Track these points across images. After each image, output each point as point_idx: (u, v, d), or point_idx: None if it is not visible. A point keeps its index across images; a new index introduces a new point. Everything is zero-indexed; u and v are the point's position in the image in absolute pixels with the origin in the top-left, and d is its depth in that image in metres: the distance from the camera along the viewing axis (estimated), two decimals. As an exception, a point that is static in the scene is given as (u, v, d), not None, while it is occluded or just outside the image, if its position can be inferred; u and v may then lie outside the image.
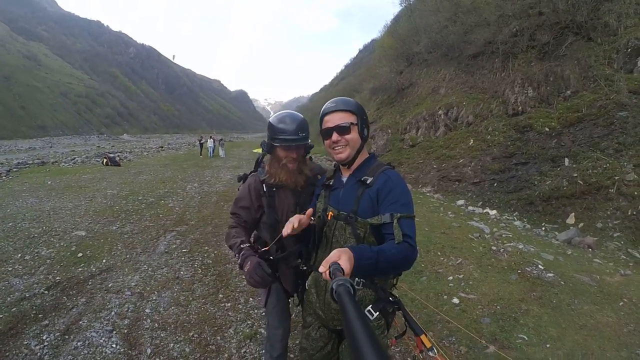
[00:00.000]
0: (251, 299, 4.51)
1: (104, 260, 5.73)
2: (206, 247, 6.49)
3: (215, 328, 3.84)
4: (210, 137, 30.30)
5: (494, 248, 6.64)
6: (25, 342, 3.47)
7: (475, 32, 18.73)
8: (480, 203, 11.56)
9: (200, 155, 27.91)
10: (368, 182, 1.76)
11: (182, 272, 5.35)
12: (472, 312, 4.26)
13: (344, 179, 1.92)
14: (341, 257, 1.29)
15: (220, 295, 4.60)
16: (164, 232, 7.41)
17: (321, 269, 1.27)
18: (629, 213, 8.12)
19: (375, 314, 1.74)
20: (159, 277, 5.18)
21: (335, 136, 1.82)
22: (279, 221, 2.28)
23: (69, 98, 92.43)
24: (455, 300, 4.56)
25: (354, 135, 1.83)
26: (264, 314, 4.10)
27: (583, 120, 10.94)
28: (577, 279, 5.25)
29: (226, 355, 3.41)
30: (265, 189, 2.30)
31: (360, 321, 0.82)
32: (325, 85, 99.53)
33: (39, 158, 22.93)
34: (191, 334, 3.72)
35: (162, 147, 39.39)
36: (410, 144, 18.29)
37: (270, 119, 2.25)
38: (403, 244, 1.57)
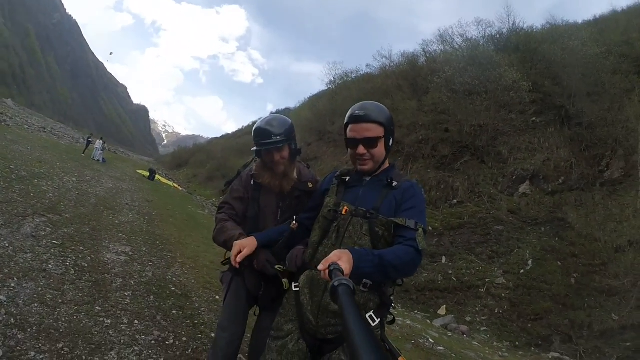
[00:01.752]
0: (137, 322, 3.61)
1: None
2: (82, 248, 5.33)
3: (93, 346, 2.92)
4: (101, 138, 27.37)
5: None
6: None
7: None
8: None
9: (83, 154, 24.82)
10: (394, 184, 1.72)
11: (50, 266, 4.22)
12: None
13: (367, 179, 1.84)
14: (341, 258, 1.25)
15: (98, 308, 3.62)
16: (33, 213, 6.06)
17: (321, 267, 1.23)
18: (496, 311, 8.86)
19: (377, 321, 1.62)
20: (21, 262, 4.04)
21: (361, 149, 1.71)
22: (258, 215, 2.25)
23: (-34, 35, 78.79)
24: None
25: (380, 149, 1.75)
26: (153, 342, 3.32)
27: (464, 226, 12.14)
28: (465, 354, 5.59)
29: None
30: (252, 183, 2.27)
31: (360, 321, 0.81)
32: (227, 134, 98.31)
33: None
34: (60, 345, 2.77)
35: (44, 129, 34.59)
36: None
37: (255, 126, 2.23)
38: (409, 248, 1.51)
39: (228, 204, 2.31)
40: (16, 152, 11.48)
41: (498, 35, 24.68)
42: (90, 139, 26.94)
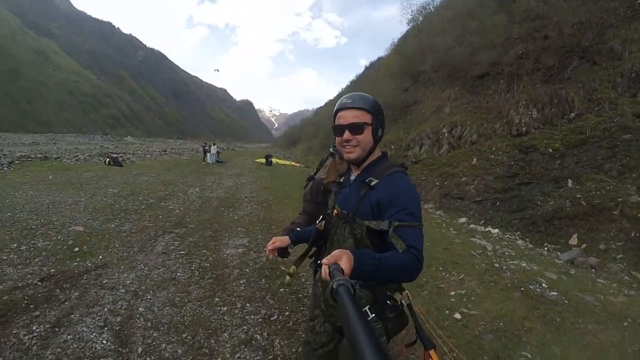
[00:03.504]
0: (248, 304, 4.41)
1: (100, 257, 5.64)
2: (204, 251, 6.40)
3: (210, 331, 3.75)
4: (214, 144, 30.30)
5: (496, 265, 6.54)
6: (15, 332, 3.39)
7: (481, 53, 19.00)
8: (482, 221, 11.46)
9: (204, 162, 27.87)
10: (372, 184, 1.72)
11: (178, 274, 5.26)
12: (474, 328, 4.16)
13: (352, 178, 1.91)
14: (342, 257, 1.28)
15: (217, 299, 4.51)
16: (163, 233, 7.32)
17: (325, 261, 1.28)
18: (632, 235, 8.04)
19: (372, 315, 1.71)
20: (155, 276, 5.10)
21: (347, 135, 1.75)
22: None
23: (76, 96, 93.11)
24: (457, 316, 4.46)
25: (366, 136, 1.76)
26: (260, 320, 4.03)
27: (586, 142, 10.95)
28: (580, 298, 5.15)
29: (219, 359, 3.33)
30: (322, 188, 2.68)
31: (360, 321, 0.83)
32: (330, 100, 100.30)
33: (42, 152, 22.96)
34: (184, 335, 3.63)
35: (165, 151, 39.43)
36: (414, 161, 18.30)
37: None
38: (408, 254, 1.49)
39: (303, 207, 2.83)
40: (142, 184, 13.54)
41: None
42: (205, 147, 29.79)
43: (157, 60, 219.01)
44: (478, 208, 12.42)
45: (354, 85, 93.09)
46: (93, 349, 3.28)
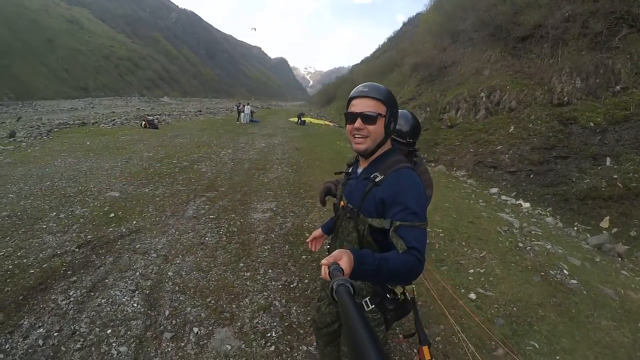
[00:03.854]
0: (270, 271, 4.60)
1: (134, 222, 5.95)
2: (233, 215, 6.62)
3: (232, 296, 3.96)
4: (248, 103, 30.41)
5: (520, 245, 6.38)
6: (53, 297, 3.71)
7: (526, 13, 17.93)
8: (514, 193, 11.19)
9: (237, 121, 28.11)
10: (377, 180, 1.71)
11: (207, 238, 5.51)
12: (487, 311, 4.16)
13: (359, 170, 1.90)
14: (342, 257, 1.30)
15: (241, 264, 4.72)
16: (194, 196, 7.59)
17: (324, 261, 1.32)
18: None
19: (371, 306, 1.79)
20: (185, 241, 5.36)
21: (359, 123, 1.71)
22: None
23: (111, 61, 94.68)
24: (472, 296, 4.46)
25: (378, 127, 1.73)
26: (280, 286, 4.20)
27: (630, 119, 10.33)
28: (600, 290, 4.98)
29: (239, 324, 3.53)
30: None
31: (360, 321, 0.83)
32: (367, 57, 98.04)
33: (79, 119, 23.67)
34: (209, 299, 3.86)
35: (200, 112, 39.86)
36: (449, 125, 17.87)
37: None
38: (410, 256, 1.49)
39: None
40: (177, 146, 13.91)
41: None
42: (239, 107, 29.96)
43: (191, 20, 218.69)
44: (511, 179, 12.11)
45: (390, 42, 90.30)
46: (124, 312, 3.56)
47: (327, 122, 35.35)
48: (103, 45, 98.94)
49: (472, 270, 5.16)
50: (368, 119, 1.70)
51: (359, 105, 1.73)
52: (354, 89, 1.79)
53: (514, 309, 4.25)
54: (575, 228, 8.75)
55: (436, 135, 17.70)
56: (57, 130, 17.44)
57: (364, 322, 0.82)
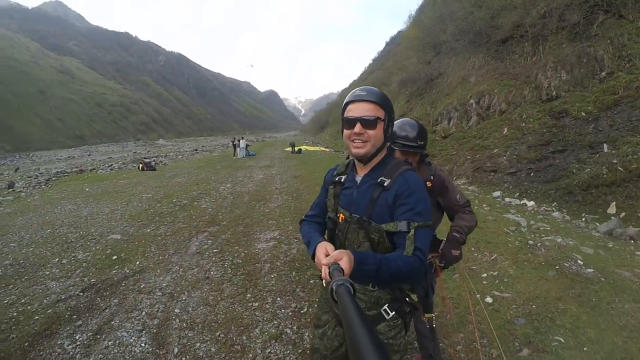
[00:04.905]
0: (279, 299, 4.56)
1: (138, 262, 5.93)
2: (237, 247, 6.60)
3: (242, 328, 3.91)
4: (242, 138, 30.77)
5: (530, 242, 6.37)
6: (59, 342, 3.66)
7: (502, 16, 18.38)
8: (517, 194, 11.19)
9: (234, 156, 28.38)
10: (385, 184, 1.69)
11: (212, 272, 5.47)
12: (505, 312, 4.11)
13: (358, 179, 1.84)
14: (343, 257, 1.30)
15: (249, 295, 4.67)
16: (196, 233, 7.58)
17: (324, 261, 1.32)
18: None
19: (392, 314, 1.75)
20: (190, 277, 5.32)
21: (358, 128, 1.67)
22: None
23: (104, 108, 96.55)
24: (489, 300, 4.40)
25: (378, 131, 1.70)
26: (290, 314, 4.16)
27: (620, 102, 10.47)
28: (618, 275, 4.95)
29: (251, 355, 3.47)
30: None
31: (361, 321, 0.82)
32: (354, 80, 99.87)
33: (77, 166, 23.94)
34: (218, 333, 3.81)
35: (196, 150, 40.31)
36: (443, 135, 18.04)
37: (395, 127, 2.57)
38: (412, 256, 1.52)
39: None
40: (176, 185, 13.98)
41: None
42: (234, 142, 30.34)
43: (179, 61, 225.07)
44: (512, 180, 12.15)
45: (376, 63, 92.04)
46: (132, 353, 3.50)
47: (322, 148, 35.74)
48: (95, 93, 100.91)
49: (485, 275, 5.14)
50: (368, 123, 1.67)
51: (357, 110, 1.70)
52: (350, 94, 1.76)
53: (533, 306, 4.20)
54: (584, 219, 8.72)
55: (432, 147, 17.82)
56: (55, 179, 17.60)
57: (364, 322, 0.82)
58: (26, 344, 3.63)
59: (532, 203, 10.15)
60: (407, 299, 1.80)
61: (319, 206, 2.05)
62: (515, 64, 16.80)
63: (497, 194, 11.65)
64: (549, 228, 7.50)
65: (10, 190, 14.50)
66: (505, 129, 14.21)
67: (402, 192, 1.65)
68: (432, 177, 2.68)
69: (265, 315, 4.15)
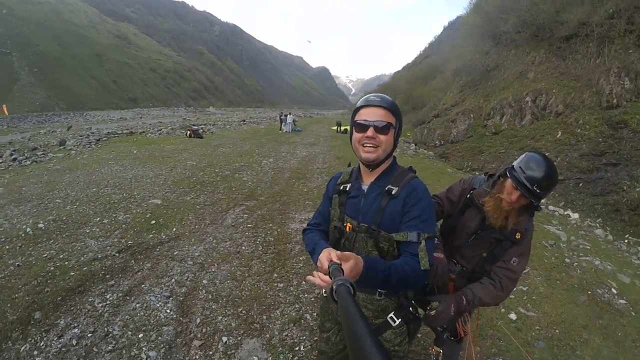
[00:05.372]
0: (303, 283, 4.59)
1: (174, 229, 6.12)
2: (271, 225, 6.67)
3: (264, 307, 3.98)
4: (290, 113, 30.85)
5: (567, 260, 6.06)
6: (90, 300, 3.88)
7: (568, 11, 17.40)
8: (563, 203, 10.70)
9: (280, 130, 28.54)
10: (393, 192, 1.71)
11: (243, 247, 5.58)
12: (527, 332, 3.95)
13: (365, 187, 1.83)
14: (350, 260, 1.31)
15: (275, 275, 4.74)
16: (234, 205, 7.72)
17: (324, 262, 1.34)
18: None
19: (398, 321, 1.80)
20: (222, 249, 5.46)
21: (371, 132, 1.68)
22: (456, 227, 2.41)
23: (158, 73, 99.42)
24: (513, 316, 4.23)
25: (389, 137, 1.72)
26: (312, 299, 4.18)
27: None
28: None
29: (268, 335, 3.54)
30: (469, 195, 2.36)
31: (362, 321, 0.82)
32: (408, 64, 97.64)
33: (127, 128, 24.83)
34: (240, 309, 3.90)
35: (244, 121, 40.77)
36: (493, 131, 17.44)
37: (519, 162, 2.12)
38: (416, 264, 1.57)
39: (438, 198, 2.51)
40: (220, 155, 14.24)
41: None
42: (281, 116, 30.50)
43: (233, 33, 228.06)
44: (559, 188, 11.61)
45: (432, 47, 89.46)
46: (157, 317, 3.66)
47: (369, 131, 35.32)
48: (150, 59, 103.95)
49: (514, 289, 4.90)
50: (381, 128, 1.68)
51: (371, 115, 1.70)
52: (363, 98, 1.78)
53: (557, 331, 4.03)
54: (626, 241, 8.30)
55: (480, 142, 17.30)
56: (106, 139, 18.35)
57: (365, 322, 0.82)
58: (59, 298, 3.85)
59: (576, 215, 9.66)
60: (410, 308, 1.85)
61: (322, 215, 2.03)
62: (577, 64, 15.98)
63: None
64: (589, 247, 7.11)
65: (61, 147, 15.23)
66: (560, 132, 13.59)
67: (410, 199, 1.68)
68: (525, 230, 2.21)
69: (288, 298, 4.20)
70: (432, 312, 2.11)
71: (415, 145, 21.56)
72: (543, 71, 17.56)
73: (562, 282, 5.26)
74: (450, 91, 27.51)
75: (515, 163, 2.13)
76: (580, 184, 10.98)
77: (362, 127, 1.71)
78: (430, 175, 12.28)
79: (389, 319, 1.80)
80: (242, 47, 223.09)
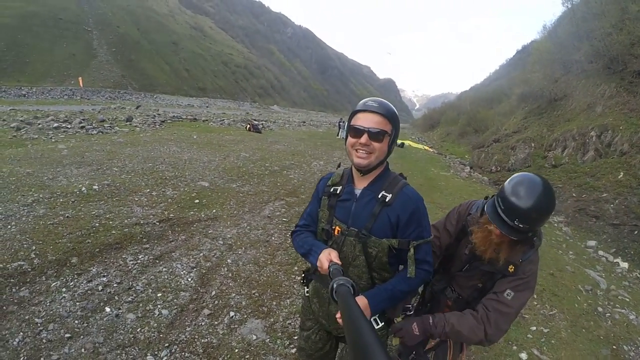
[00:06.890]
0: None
1: (214, 210, 6.50)
2: (305, 222, 6.85)
3: (276, 294, 4.19)
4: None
5: (600, 309, 5.64)
6: (124, 256, 4.29)
7: None
8: (614, 250, 9.99)
9: (337, 136, 28.68)
10: (387, 200, 1.70)
11: (273, 238, 5.83)
12: None
13: (358, 192, 1.81)
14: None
15: (296, 268, 4.92)
16: (275, 199, 7.99)
17: (324, 261, 1.53)
18: None
19: (381, 324, 1.84)
20: (252, 236, 5.74)
21: (365, 139, 1.66)
22: (454, 255, 2.22)
23: (229, 67, 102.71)
24: (524, 356, 3.94)
25: (384, 145, 1.71)
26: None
27: None
28: None
29: (272, 320, 3.73)
30: (464, 225, 2.14)
31: (364, 320, 0.87)
32: (477, 84, 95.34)
33: (192, 115, 25.82)
34: (254, 291, 4.15)
35: (304, 122, 41.42)
36: (553, 164, 16.65)
37: (506, 184, 1.80)
38: (421, 271, 1.71)
39: (435, 229, 2.28)
40: (273, 151, 14.63)
41: None
42: (340, 122, 30.80)
43: (305, 36, 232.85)
44: (613, 233, 10.95)
45: (502, 70, 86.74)
46: (178, 283, 4.00)
47: (426, 147, 34.76)
48: (222, 52, 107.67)
49: (534, 328, 4.63)
50: (375, 135, 1.67)
51: (366, 120, 1.68)
52: (362, 102, 1.76)
53: None
54: None
55: (537, 173, 16.65)
56: (170, 122, 19.37)
57: (366, 322, 0.84)
58: (97, 250, 4.30)
59: (625, 265, 8.93)
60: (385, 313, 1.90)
61: (310, 216, 2.03)
62: (649, 102, 15.01)
63: (591, 243, 10.41)
64: (628, 300, 6.54)
65: (128, 123, 16.31)
66: (622, 173, 12.82)
67: (405, 211, 1.70)
68: (521, 261, 1.88)
69: (302, 291, 4.34)
70: (396, 326, 1.98)
71: (471, 168, 21.06)
72: (612, 106, 16.57)
73: (587, 330, 4.93)
74: (514, 117, 26.59)
75: (494, 197, 1.87)
76: (636, 232, 10.28)
77: (357, 132, 1.69)
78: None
79: (372, 321, 1.80)
80: (313, 51, 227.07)
